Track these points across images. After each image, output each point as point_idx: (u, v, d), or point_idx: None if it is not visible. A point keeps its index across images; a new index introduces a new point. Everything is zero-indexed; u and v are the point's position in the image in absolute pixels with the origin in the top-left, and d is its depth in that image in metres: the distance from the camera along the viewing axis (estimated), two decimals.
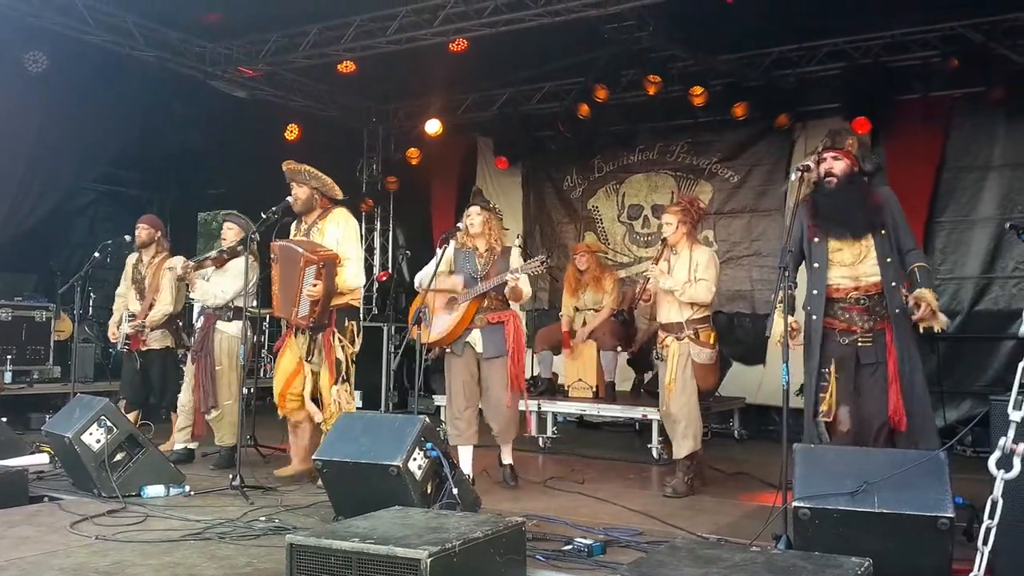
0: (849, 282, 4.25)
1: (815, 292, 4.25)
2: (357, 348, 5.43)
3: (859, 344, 4.20)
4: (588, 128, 9.10)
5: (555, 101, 9.39)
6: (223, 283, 6.06)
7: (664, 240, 5.50)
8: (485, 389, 5.34)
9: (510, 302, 5.36)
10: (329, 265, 5.18)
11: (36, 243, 9.07)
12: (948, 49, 7.47)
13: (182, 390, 6.27)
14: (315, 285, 5.12)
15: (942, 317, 4.08)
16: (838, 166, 4.26)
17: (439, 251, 5.38)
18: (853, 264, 4.25)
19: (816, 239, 4.30)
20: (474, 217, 5.36)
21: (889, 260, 4.20)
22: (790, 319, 4.14)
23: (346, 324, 5.37)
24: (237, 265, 6.02)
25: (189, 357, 6.24)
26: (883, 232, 4.22)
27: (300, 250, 5.17)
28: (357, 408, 9.31)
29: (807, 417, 4.26)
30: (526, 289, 5.20)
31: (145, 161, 10.75)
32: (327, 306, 5.22)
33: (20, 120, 7.89)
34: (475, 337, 5.28)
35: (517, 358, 5.25)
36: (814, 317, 4.24)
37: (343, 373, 5.33)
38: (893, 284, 4.17)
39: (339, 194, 5.57)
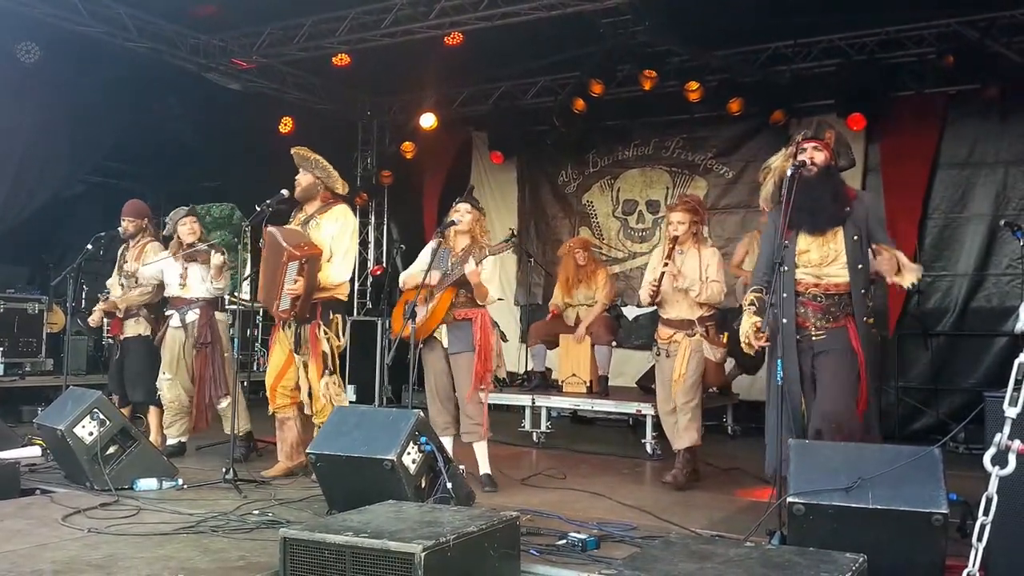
0: (811, 279, 4.20)
1: (784, 295, 4.18)
2: (344, 342, 5.44)
3: (813, 338, 4.17)
4: (583, 123, 9.09)
5: (550, 96, 9.37)
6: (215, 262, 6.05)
7: (675, 239, 5.54)
8: (457, 385, 5.28)
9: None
10: (312, 262, 5.14)
11: (29, 235, 9.04)
12: (943, 46, 7.49)
13: (168, 385, 6.12)
14: (296, 281, 5.10)
15: (913, 267, 4.03)
16: (818, 156, 4.22)
17: (433, 246, 5.39)
18: (819, 265, 4.20)
19: (787, 241, 4.23)
20: (463, 214, 5.32)
21: (860, 267, 4.13)
22: (755, 320, 4.17)
23: (331, 317, 5.37)
24: (219, 260, 6.06)
25: (184, 349, 6.11)
26: (856, 237, 4.15)
27: (284, 244, 5.12)
28: (351, 402, 9.38)
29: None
30: (491, 290, 5.18)
31: (139, 153, 10.69)
32: (308, 301, 5.21)
33: (13, 112, 7.84)
34: (442, 332, 5.28)
35: (484, 355, 5.19)
36: (784, 320, 4.18)
37: (330, 365, 5.32)
38: (863, 291, 4.13)
39: (340, 188, 5.53)
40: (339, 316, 5.43)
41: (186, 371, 6.13)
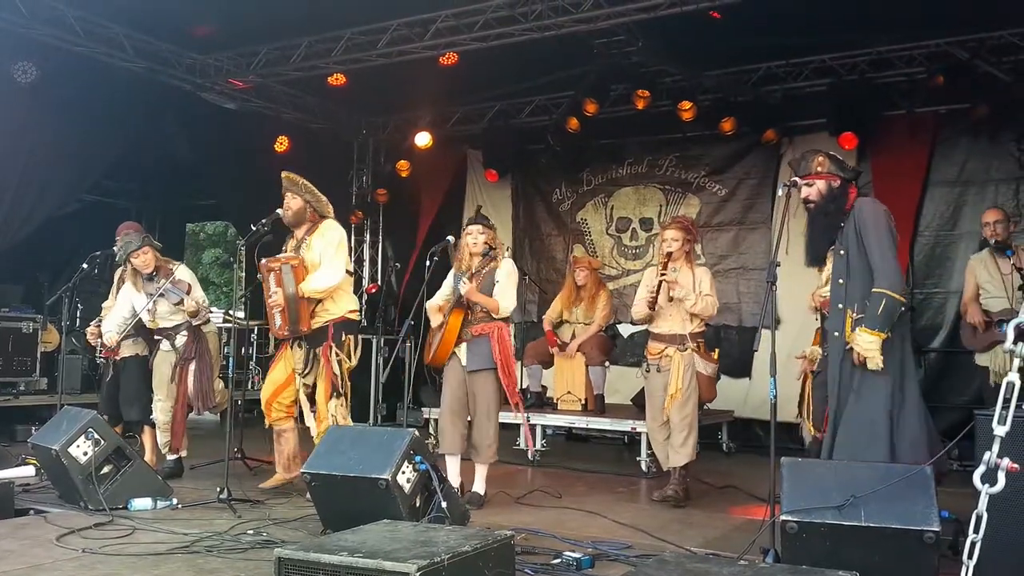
0: (822, 300, 4.46)
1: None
2: (355, 362, 5.45)
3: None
4: (577, 141, 9.14)
5: (545, 115, 9.43)
6: (195, 295, 6.07)
7: (669, 255, 5.60)
8: (472, 403, 5.33)
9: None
10: (285, 271, 5.20)
11: (23, 254, 9.02)
12: (934, 66, 7.55)
13: (160, 407, 6.11)
14: (275, 292, 5.16)
15: (875, 360, 3.92)
16: (812, 192, 4.29)
17: (428, 264, 5.43)
18: (821, 287, 4.46)
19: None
20: (476, 235, 5.39)
21: (841, 281, 4.14)
22: (815, 350, 4.34)
23: (343, 338, 5.40)
24: (184, 275, 6.11)
25: (168, 371, 6.07)
26: (842, 252, 4.19)
27: (263, 261, 5.28)
28: None
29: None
30: (502, 302, 5.23)
31: (135, 172, 10.73)
32: (297, 313, 5.22)
33: (11, 132, 7.86)
34: (461, 350, 5.33)
35: (507, 370, 5.24)
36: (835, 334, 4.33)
37: (339, 387, 5.34)
38: (840, 306, 4.12)
39: (330, 213, 5.58)
40: (351, 337, 5.46)
41: (177, 393, 6.11)
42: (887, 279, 3.98)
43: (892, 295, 3.94)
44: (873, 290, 3.98)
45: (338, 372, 5.33)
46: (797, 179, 4.33)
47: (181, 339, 6.10)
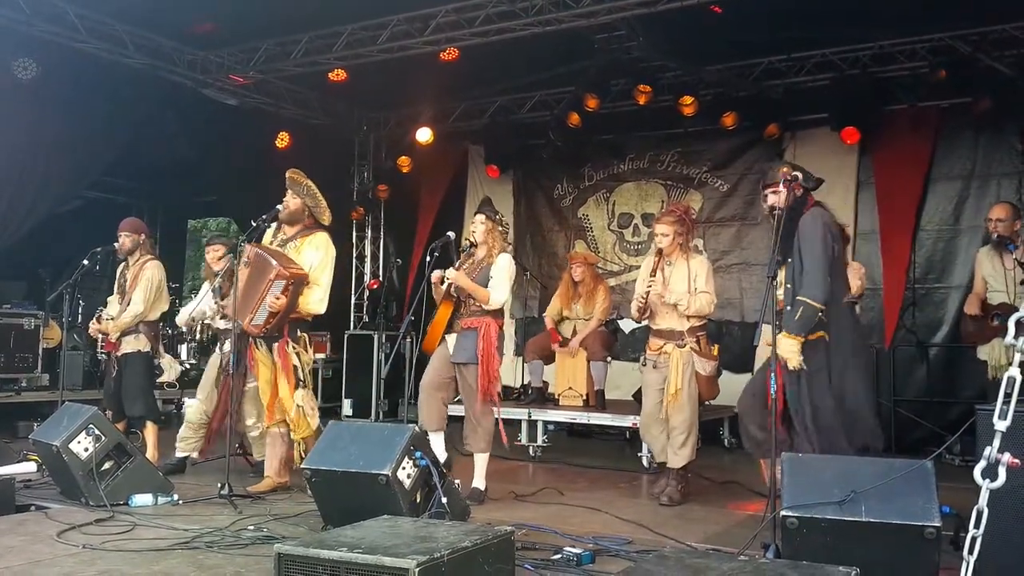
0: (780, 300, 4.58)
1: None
2: (312, 356, 5.55)
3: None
4: (578, 137, 9.12)
5: (546, 110, 9.41)
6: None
7: (660, 251, 5.52)
8: (463, 397, 5.38)
9: (487, 309, 5.34)
10: (297, 283, 5.25)
11: (25, 250, 9.04)
12: (936, 60, 7.53)
13: (195, 406, 6.04)
14: (278, 299, 5.16)
15: (794, 361, 4.33)
16: (779, 200, 4.49)
17: (429, 260, 5.42)
18: (780, 287, 4.55)
19: (780, 257, 4.56)
20: (477, 225, 5.44)
21: (789, 286, 4.45)
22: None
23: (298, 334, 5.47)
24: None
25: (214, 374, 5.97)
26: (789, 259, 4.45)
27: (273, 262, 5.22)
28: (346, 416, 9.38)
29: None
30: (494, 294, 5.26)
31: (136, 169, 10.72)
32: (283, 321, 5.30)
33: (12, 129, 7.86)
34: (450, 339, 5.39)
35: (486, 367, 5.24)
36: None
37: (302, 378, 5.40)
38: (789, 308, 4.43)
39: (327, 220, 5.58)
40: (305, 334, 5.53)
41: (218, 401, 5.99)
42: (808, 289, 4.36)
43: (810, 303, 4.34)
44: (796, 297, 4.38)
45: (298, 364, 5.39)
46: (764, 189, 4.67)
47: (228, 344, 5.87)
